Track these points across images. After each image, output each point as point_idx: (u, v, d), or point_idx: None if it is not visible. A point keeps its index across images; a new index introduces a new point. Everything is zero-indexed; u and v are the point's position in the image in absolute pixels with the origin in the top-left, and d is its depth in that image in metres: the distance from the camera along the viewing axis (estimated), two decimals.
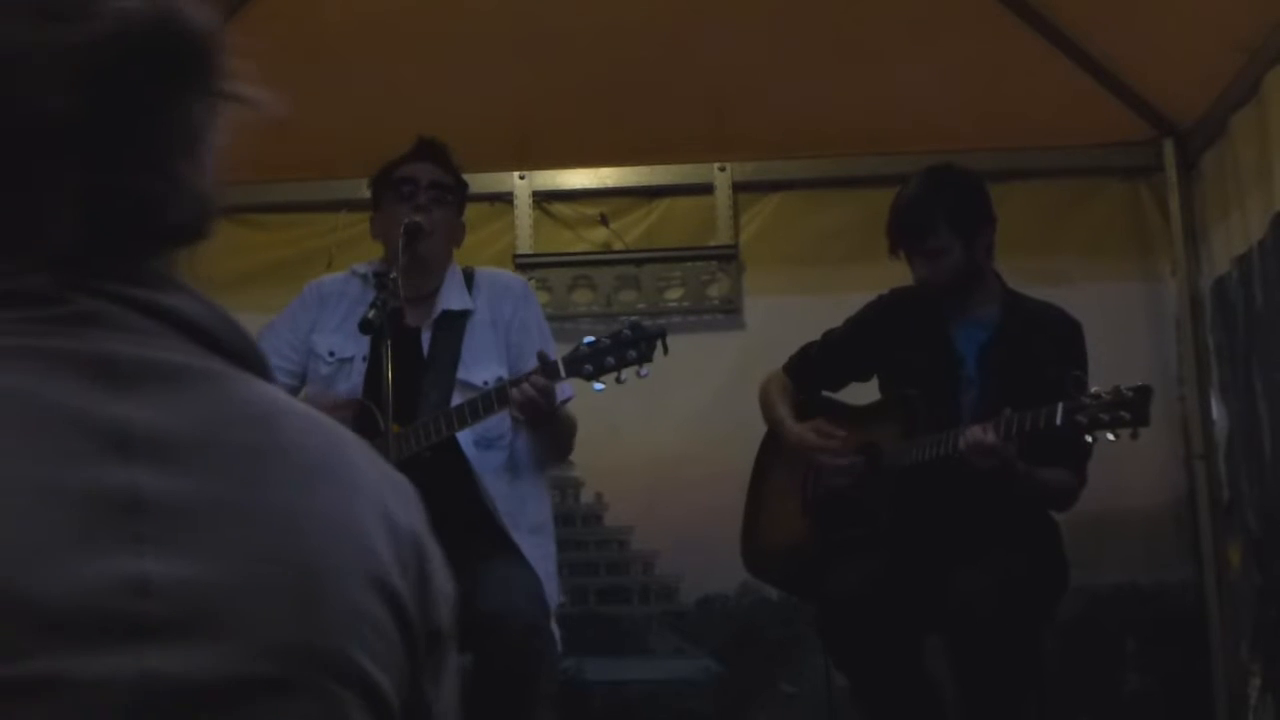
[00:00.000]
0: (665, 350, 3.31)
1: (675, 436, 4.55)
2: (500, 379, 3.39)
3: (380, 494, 0.95)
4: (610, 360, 3.29)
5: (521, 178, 4.72)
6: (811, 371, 3.85)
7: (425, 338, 3.52)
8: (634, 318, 4.61)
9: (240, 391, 0.92)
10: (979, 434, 3.29)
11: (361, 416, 3.35)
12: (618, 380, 3.30)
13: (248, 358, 0.96)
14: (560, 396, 3.37)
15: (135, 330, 0.90)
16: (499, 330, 3.53)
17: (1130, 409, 3.18)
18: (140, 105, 0.90)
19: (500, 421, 3.42)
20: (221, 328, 0.95)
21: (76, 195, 0.89)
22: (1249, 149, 4.02)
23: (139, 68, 0.89)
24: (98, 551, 0.81)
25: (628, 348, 3.29)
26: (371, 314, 3.12)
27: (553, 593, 3.45)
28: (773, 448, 3.89)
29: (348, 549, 0.90)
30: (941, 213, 3.53)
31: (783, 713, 4.49)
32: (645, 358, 3.30)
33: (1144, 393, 3.19)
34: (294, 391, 3.52)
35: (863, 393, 3.85)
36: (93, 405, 0.85)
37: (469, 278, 3.61)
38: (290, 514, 0.88)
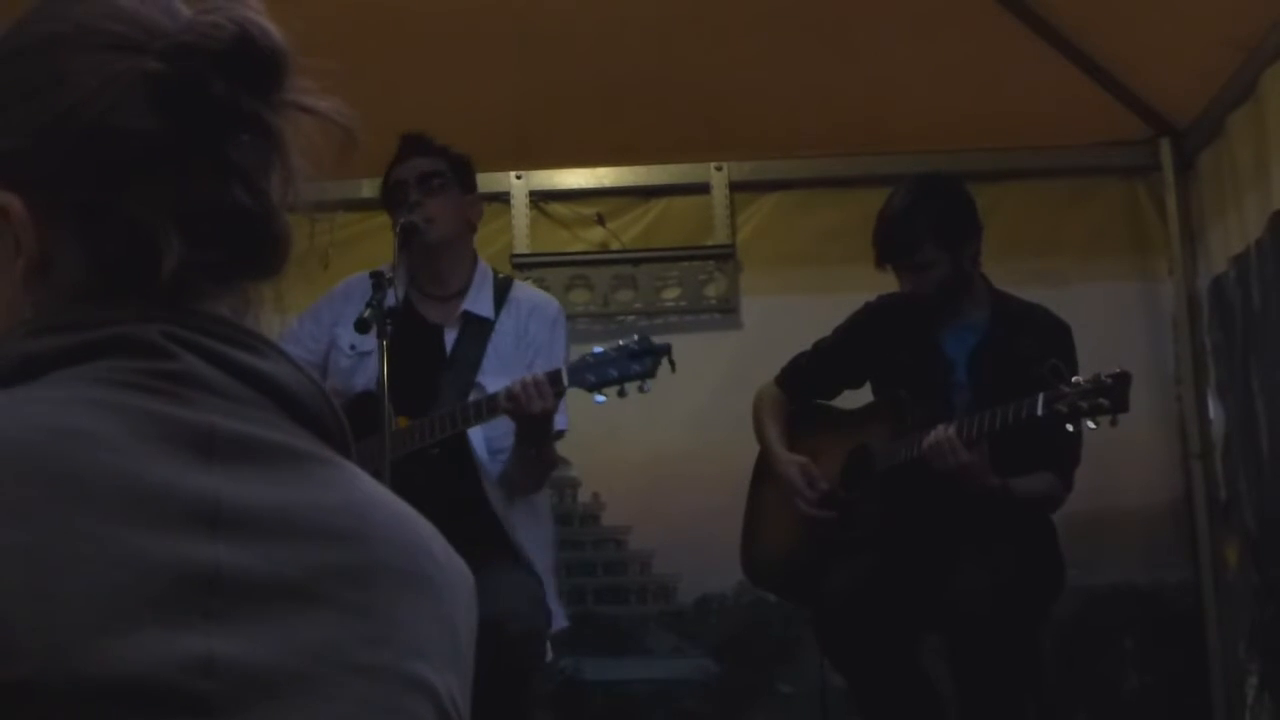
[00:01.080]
0: (673, 367, 3.31)
1: (672, 436, 4.54)
2: None
3: (448, 594, 0.96)
4: (613, 373, 3.28)
5: (518, 177, 4.71)
6: (804, 381, 3.85)
7: (449, 337, 3.52)
8: (633, 316, 4.65)
9: (328, 476, 0.92)
10: (938, 432, 3.30)
11: (368, 409, 3.35)
12: (620, 394, 3.30)
13: (335, 434, 0.96)
14: (556, 425, 3.37)
15: (235, 399, 0.90)
16: (522, 347, 3.51)
17: (1109, 395, 3.18)
18: (225, 120, 0.91)
19: (506, 436, 3.41)
20: (314, 401, 0.95)
21: (179, 215, 0.90)
22: (1246, 148, 4.02)
23: (221, 82, 0.90)
24: (169, 624, 0.81)
25: (632, 361, 3.29)
26: (367, 313, 3.12)
27: (557, 611, 3.46)
28: (764, 461, 3.89)
29: (402, 650, 0.89)
30: (927, 227, 3.52)
31: (780, 712, 4.49)
32: (650, 373, 3.29)
33: (1122, 379, 3.20)
34: None
35: (857, 400, 3.86)
36: (185, 476, 0.85)
37: (504, 288, 3.61)
38: (355, 608, 0.88)
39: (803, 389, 3.86)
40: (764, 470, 3.89)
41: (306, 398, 0.95)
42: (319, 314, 3.60)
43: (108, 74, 0.90)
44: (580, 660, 4.52)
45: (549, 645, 3.41)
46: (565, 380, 3.25)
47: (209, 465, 0.86)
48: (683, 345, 4.28)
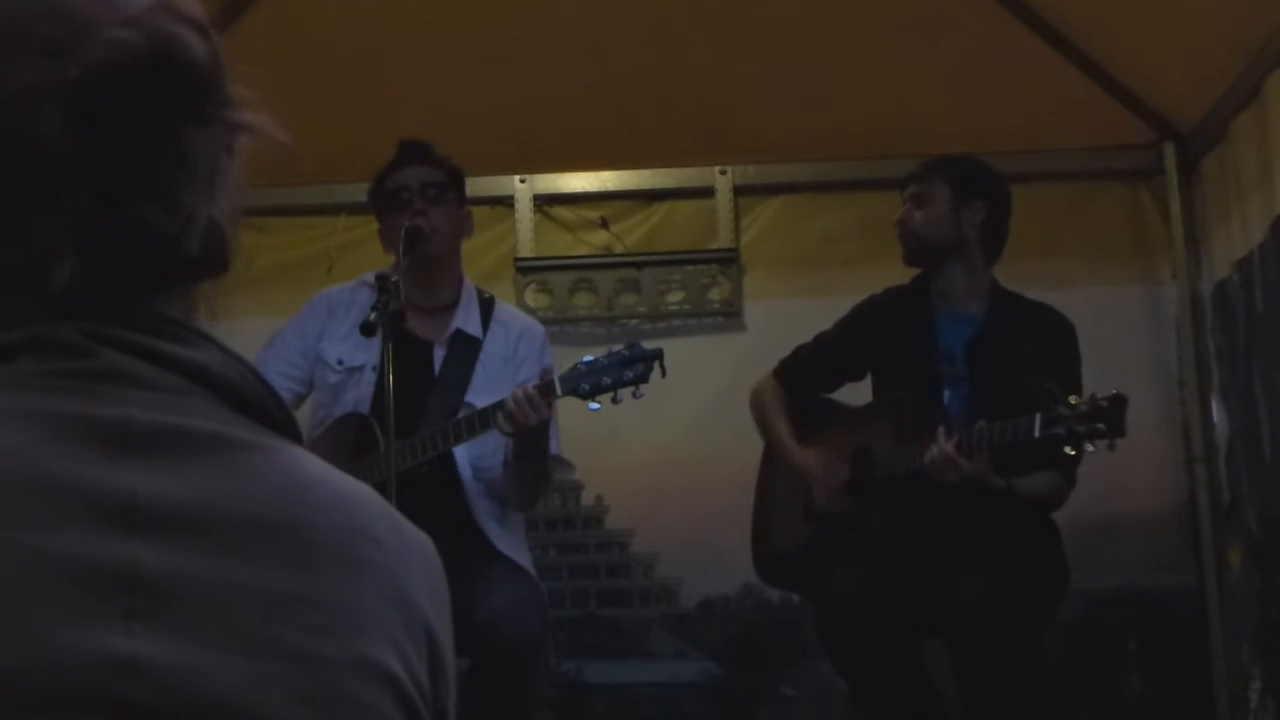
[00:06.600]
0: (664, 372, 3.32)
1: (676, 439, 4.54)
2: None
3: (398, 573, 0.92)
4: (607, 380, 3.29)
5: (522, 181, 4.71)
6: (804, 374, 3.85)
7: (438, 355, 3.51)
8: (636, 319, 4.65)
9: (262, 463, 0.90)
10: (938, 446, 3.30)
11: (361, 430, 3.35)
12: (614, 401, 3.30)
13: (275, 418, 0.93)
14: (550, 449, 3.40)
15: (159, 388, 0.88)
16: (511, 367, 3.52)
17: (1106, 419, 3.18)
18: (140, 136, 0.88)
19: (494, 454, 3.44)
20: (249, 386, 0.93)
21: (79, 233, 0.87)
22: (1250, 152, 4.03)
23: (136, 98, 0.87)
24: (88, 626, 0.79)
25: (624, 368, 3.30)
26: (372, 316, 3.13)
27: None
28: (775, 456, 3.88)
29: (348, 637, 0.87)
30: (941, 166, 3.67)
31: (783, 716, 4.49)
32: (642, 378, 3.30)
33: (1119, 402, 3.19)
34: (299, 399, 3.54)
35: (858, 391, 3.86)
36: (98, 473, 0.83)
37: (489, 307, 3.61)
38: (291, 599, 0.85)
39: (803, 383, 3.86)
40: (772, 462, 3.88)
41: (243, 384, 0.92)
42: (303, 328, 3.56)
43: (17, 80, 0.87)
44: (583, 663, 4.52)
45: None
46: (558, 389, 3.26)
47: (126, 460, 0.84)
48: (686, 349, 4.32)
